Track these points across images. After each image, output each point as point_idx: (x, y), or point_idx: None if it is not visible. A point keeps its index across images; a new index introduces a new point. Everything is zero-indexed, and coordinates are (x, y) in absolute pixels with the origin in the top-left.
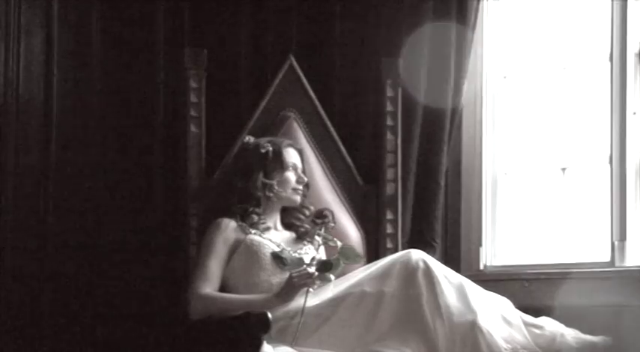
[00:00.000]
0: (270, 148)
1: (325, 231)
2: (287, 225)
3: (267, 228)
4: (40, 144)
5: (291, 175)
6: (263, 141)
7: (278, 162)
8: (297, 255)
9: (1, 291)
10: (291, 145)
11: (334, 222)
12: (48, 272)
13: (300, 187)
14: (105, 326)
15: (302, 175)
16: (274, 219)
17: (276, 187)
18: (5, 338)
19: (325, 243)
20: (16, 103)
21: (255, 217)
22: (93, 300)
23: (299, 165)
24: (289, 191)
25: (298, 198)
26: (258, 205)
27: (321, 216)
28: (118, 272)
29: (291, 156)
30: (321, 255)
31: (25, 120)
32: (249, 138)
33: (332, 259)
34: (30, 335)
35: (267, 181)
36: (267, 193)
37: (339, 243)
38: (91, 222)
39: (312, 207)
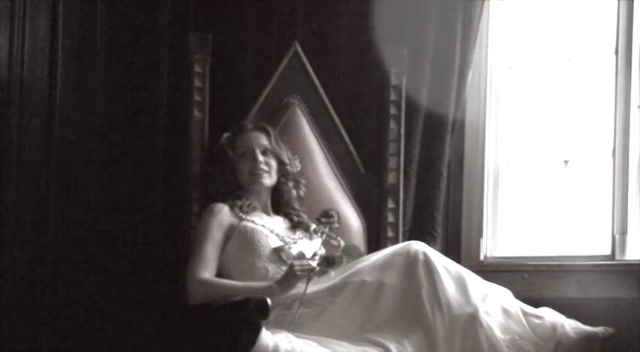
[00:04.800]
0: (223, 142)
1: (330, 231)
2: (284, 213)
3: (254, 208)
4: (43, 126)
5: (244, 161)
6: (227, 135)
7: (224, 155)
8: (294, 250)
9: (2, 274)
10: (248, 129)
11: (339, 224)
12: (48, 256)
13: (259, 169)
14: (104, 311)
15: (258, 157)
16: (263, 204)
17: (229, 179)
18: (5, 329)
19: (327, 242)
20: (20, 85)
21: (239, 202)
22: (92, 284)
23: (259, 146)
24: (247, 177)
25: (262, 181)
26: (232, 195)
27: (327, 216)
28: (118, 256)
29: (246, 139)
30: (322, 250)
31: (28, 101)
32: (225, 136)
33: (335, 256)
34: (29, 324)
35: (220, 176)
36: (224, 186)
37: (342, 243)
38: (92, 205)
39: (302, 182)
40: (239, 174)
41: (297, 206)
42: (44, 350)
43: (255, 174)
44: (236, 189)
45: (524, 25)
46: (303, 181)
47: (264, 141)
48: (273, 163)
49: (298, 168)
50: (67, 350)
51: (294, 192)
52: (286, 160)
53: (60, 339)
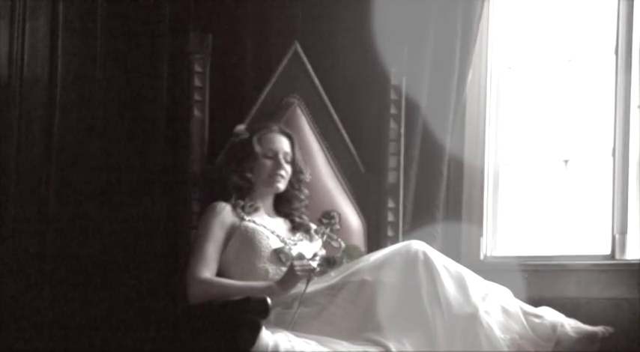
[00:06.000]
0: (245, 136)
1: (330, 232)
2: (285, 214)
3: (257, 209)
4: (43, 125)
5: (266, 162)
6: (242, 127)
7: (251, 150)
8: (295, 252)
9: (2, 273)
10: (275, 131)
11: (340, 225)
12: (48, 255)
13: (279, 174)
14: (104, 311)
15: (282, 161)
16: (266, 205)
17: (248, 174)
18: (5, 328)
19: (328, 243)
20: (20, 84)
21: (241, 202)
22: (93, 284)
23: (282, 151)
24: (264, 178)
25: (278, 185)
26: (241, 192)
27: (328, 217)
28: (119, 256)
29: (273, 142)
30: (323, 251)
31: (28, 101)
32: (240, 128)
33: (336, 257)
34: (29, 323)
35: (239, 170)
36: (241, 181)
37: (342, 244)
38: (93, 205)
39: (306, 192)
40: (257, 173)
41: (300, 210)
42: (44, 349)
43: (274, 177)
44: (247, 187)
45: (524, 24)
46: (306, 192)
47: (288, 147)
48: (290, 170)
49: (309, 180)
50: (66, 349)
51: (298, 200)
52: (300, 170)
53: (60, 338)
